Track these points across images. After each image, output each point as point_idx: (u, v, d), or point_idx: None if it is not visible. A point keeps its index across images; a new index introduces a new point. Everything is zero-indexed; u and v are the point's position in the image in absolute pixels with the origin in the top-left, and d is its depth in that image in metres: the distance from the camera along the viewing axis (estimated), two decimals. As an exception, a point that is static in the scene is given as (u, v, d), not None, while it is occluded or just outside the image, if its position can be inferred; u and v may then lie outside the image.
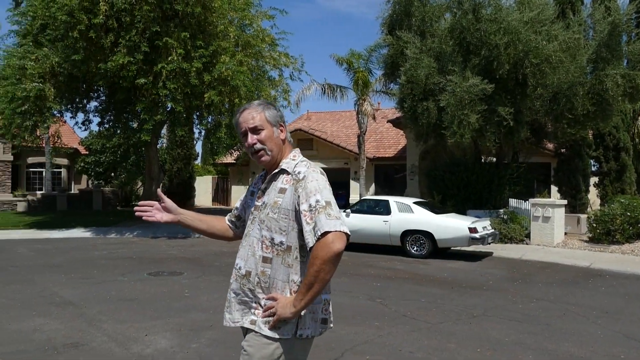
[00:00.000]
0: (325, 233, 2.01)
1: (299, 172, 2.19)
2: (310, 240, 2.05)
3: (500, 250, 12.44)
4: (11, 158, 25.55)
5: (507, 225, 13.75)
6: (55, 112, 17.50)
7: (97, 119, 20.56)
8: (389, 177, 26.46)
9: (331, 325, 2.32)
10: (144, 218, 2.44)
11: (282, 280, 2.17)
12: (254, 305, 2.21)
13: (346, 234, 2.05)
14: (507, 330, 5.75)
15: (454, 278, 9.02)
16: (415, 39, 14.56)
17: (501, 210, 14.65)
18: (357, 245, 12.49)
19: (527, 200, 14.39)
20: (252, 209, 2.32)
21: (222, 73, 14.89)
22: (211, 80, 15.03)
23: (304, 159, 2.29)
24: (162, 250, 12.35)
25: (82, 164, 27.33)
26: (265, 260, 2.18)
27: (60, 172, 29.87)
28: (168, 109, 16.34)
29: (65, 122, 22.43)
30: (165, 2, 14.52)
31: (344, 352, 4.91)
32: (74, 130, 29.71)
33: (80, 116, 19.80)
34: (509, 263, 10.95)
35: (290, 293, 2.16)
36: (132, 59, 14.34)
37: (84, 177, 29.95)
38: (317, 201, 2.08)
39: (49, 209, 23.32)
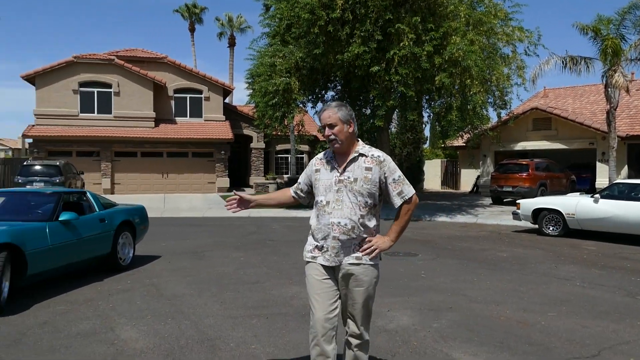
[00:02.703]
0: (412, 196, 3.23)
1: (378, 156, 3.21)
2: (397, 201, 3.22)
3: None
4: (263, 146, 29.07)
5: None
6: (299, 103, 19.28)
7: (333, 108, 21.97)
8: (647, 158, 22.95)
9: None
10: (231, 212, 3.50)
11: (373, 227, 3.24)
12: (353, 248, 3.19)
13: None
14: None
15: None
16: (686, -7, 12.28)
17: None
18: (607, 234, 11.21)
19: None
20: (335, 181, 3.18)
21: (453, 54, 14.67)
22: (442, 62, 14.91)
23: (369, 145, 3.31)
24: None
25: (320, 150, 29.66)
26: (362, 216, 3.17)
27: (303, 157, 32.92)
28: (399, 94, 16.68)
29: (306, 112, 24.62)
30: (397, -11, 14.79)
31: (600, 350, 4.46)
32: (313, 119, 32.52)
33: (319, 106, 21.43)
34: None
35: (374, 234, 3.24)
36: (366, 48, 14.99)
37: (322, 162, 32.41)
38: (399, 176, 3.22)
39: (294, 191, 25.99)
